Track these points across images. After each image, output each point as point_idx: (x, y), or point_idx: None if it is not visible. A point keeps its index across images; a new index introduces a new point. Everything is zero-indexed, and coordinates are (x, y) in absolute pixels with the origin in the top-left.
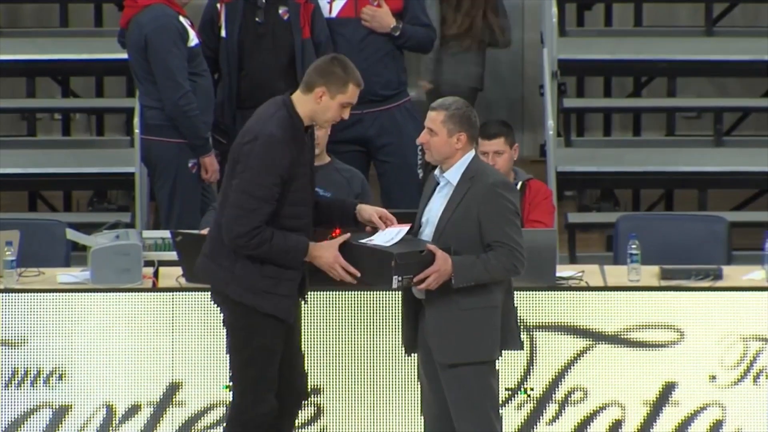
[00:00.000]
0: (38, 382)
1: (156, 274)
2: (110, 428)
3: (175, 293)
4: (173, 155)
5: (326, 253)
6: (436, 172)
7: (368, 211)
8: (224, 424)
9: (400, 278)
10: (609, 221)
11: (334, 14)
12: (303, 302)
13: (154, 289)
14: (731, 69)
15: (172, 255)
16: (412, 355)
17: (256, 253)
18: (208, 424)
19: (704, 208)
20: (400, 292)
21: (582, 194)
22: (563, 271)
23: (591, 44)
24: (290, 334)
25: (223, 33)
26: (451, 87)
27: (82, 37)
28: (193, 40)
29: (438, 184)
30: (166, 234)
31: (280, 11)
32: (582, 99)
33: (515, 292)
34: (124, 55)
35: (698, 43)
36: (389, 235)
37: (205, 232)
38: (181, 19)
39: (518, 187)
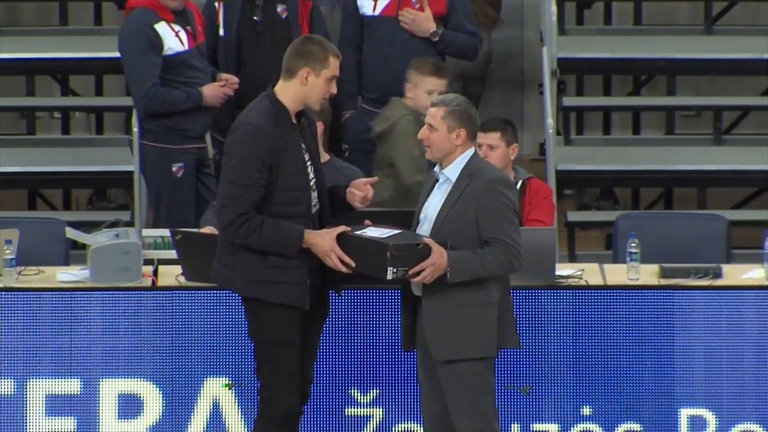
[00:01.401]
0: (38, 380)
1: (155, 273)
2: (109, 426)
3: (174, 292)
4: (156, 160)
5: (322, 241)
6: (436, 168)
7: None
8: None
9: (395, 270)
10: (608, 220)
11: (377, 12)
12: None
13: (154, 287)
14: (730, 67)
15: (172, 253)
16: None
17: (248, 242)
18: (208, 423)
19: (704, 207)
20: (398, 292)
21: (581, 193)
22: (563, 269)
23: (590, 43)
24: (306, 330)
25: (221, 32)
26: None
27: (81, 36)
28: (172, 48)
29: (437, 180)
30: (165, 233)
31: (279, 9)
32: (581, 97)
33: (514, 291)
34: None
35: (698, 41)
36: (385, 230)
37: (204, 230)
38: (161, 25)
39: (518, 185)
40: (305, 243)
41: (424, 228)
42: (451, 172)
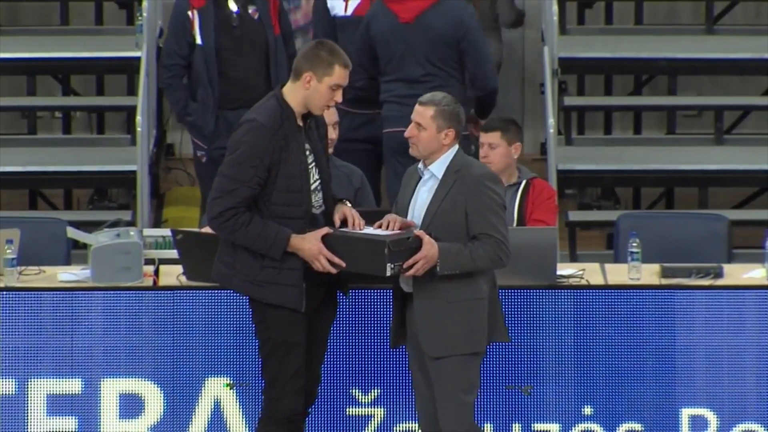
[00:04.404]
0: (39, 380)
1: (157, 273)
2: (110, 425)
3: (175, 292)
4: None
5: (308, 244)
6: (419, 165)
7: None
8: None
9: (392, 265)
10: (609, 219)
11: (349, 12)
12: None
13: (155, 287)
14: (732, 67)
15: (173, 253)
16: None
17: (233, 238)
18: (209, 423)
19: (705, 207)
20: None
21: (583, 192)
22: (564, 269)
23: (592, 42)
24: (313, 330)
25: (198, 40)
26: None
27: (82, 36)
28: None
29: (421, 177)
30: (166, 232)
31: (250, 11)
32: (583, 97)
33: (515, 291)
34: (125, 54)
35: (699, 41)
36: (363, 230)
37: (205, 230)
38: None
39: (522, 185)
40: (291, 247)
41: None
42: (437, 168)
